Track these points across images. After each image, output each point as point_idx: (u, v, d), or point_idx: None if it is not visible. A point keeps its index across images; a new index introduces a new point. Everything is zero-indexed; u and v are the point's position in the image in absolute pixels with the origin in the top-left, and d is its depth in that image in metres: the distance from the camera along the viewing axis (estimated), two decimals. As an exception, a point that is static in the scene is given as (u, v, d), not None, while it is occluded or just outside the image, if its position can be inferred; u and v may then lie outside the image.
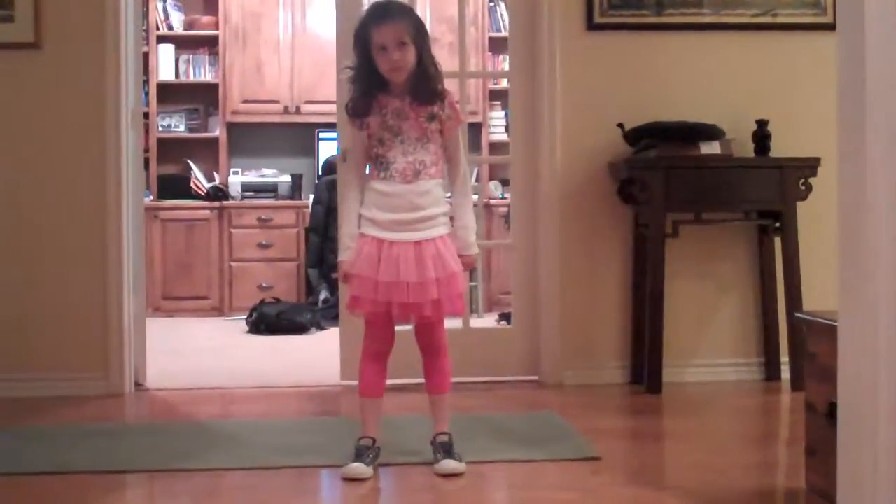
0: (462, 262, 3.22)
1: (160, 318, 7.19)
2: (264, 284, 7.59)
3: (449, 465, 3.10)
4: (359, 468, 3.06)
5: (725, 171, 4.42)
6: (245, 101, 8.02)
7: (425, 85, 3.15)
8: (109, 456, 3.30)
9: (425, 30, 3.20)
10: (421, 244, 3.11)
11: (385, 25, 3.07)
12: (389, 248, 3.09)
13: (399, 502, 3.06)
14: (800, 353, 4.22)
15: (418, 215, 3.13)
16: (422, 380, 4.72)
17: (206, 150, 8.09)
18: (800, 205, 4.46)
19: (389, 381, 4.68)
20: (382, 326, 3.21)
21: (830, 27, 4.15)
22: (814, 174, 4.42)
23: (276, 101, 8.05)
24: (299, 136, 8.19)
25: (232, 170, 8.02)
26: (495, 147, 8.04)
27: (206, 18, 8.08)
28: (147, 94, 7.61)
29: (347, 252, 3.17)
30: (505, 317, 6.48)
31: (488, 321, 6.93)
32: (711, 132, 4.46)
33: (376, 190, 3.15)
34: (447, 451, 3.16)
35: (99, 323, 4.43)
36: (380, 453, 3.16)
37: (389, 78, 3.12)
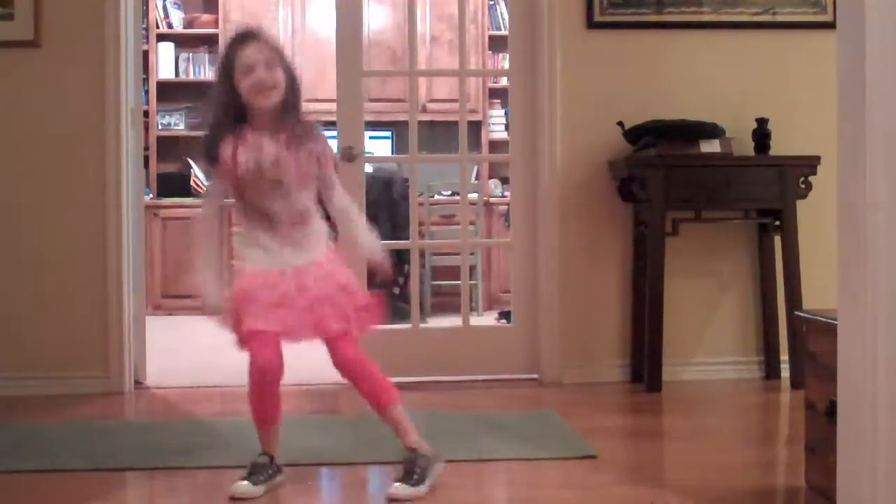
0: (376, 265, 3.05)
1: (160, 317, 7.19)
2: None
3: (396, 491, 2.86)
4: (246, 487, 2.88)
5: (725, 170, 4.42)
6: (245, 100, 8.00)
7: (294, 117, 2.91)
8: (109, 454, 3.30)
9: (293, 66, 2.97)
10: (302, 269, 2.91)
11: (252, 44, 2.88)
12: (275, 275, 2.89)
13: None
14: (800, 351, 4.22)
15: (299, 252, 2.94)
16: (425, 378, 4.74)
17: (206, 149, 8.07)
18: (800, 203, 4.46)
19: (389, 380, 4.69)
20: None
21: (830, 25, 4.14)
22: (814, 173, 4.42)
23: (276, 100, 8.04)
24: (299, 135, 8.18)
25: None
26: (495, 145, 8.04)
27: (205, 17, 8.08)
28: (147, 92, 7.61)
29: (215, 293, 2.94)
30: (504, 315, 6.48)
31: (488, 319, 6.94)
32: (711, 131, 4.46)
33: (252, 238, 2.95)
34: (407, 470, 2.91)
35: (99, 321, 4.43)
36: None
37: (254, 102, 2.86)
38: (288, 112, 2.91)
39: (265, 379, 2.90)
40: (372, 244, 3.06)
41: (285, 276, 2.89)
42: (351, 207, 3.07)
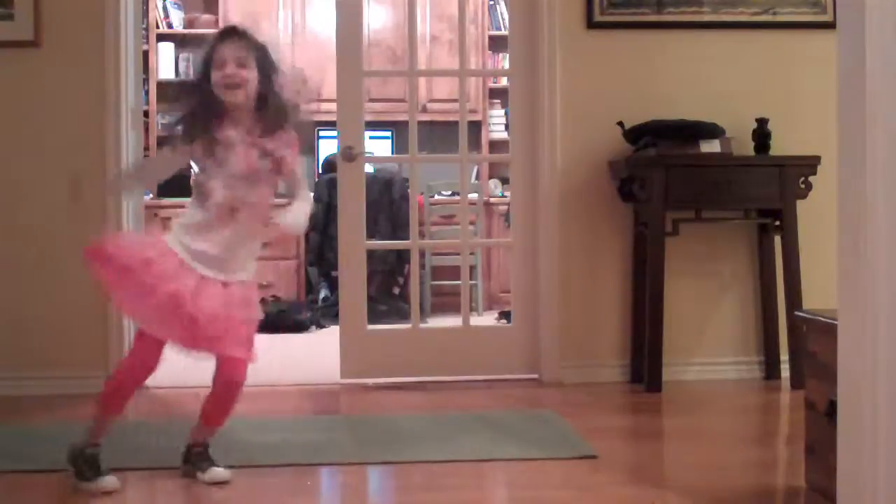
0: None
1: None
2: (264, 283, 7.58)
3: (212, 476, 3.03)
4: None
5: (725, 170, 4.42)
6: (245, 100, 8.01)
7: (268, 116, 2.99)
8: (109, 454, 3.29)
9: (274, 66, 3.03)
10: (228, 286, 2.95)
11: (229, 40, 2.99)
12: (191, 276, 2.90)
13: (398, 500, 3.06)
14: (800, 351, 4.22)
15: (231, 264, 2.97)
16: (425, 378, 4.74)
17: (206, 149, 8.07)
18: (800, 203, 4.46)
19: (390, 379, 4.70)
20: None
21: (830, 25, 4.14)
22: (814, 173, 4.42)
23: (276, 100, 8.04)
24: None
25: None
26: (495, 145, 8.04)
27: (205, 17, 8.08)
28: (147, 92, 7.60)
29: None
30: (505, 315, 6.48)
31: (488, 319, 6.94)
32: (711, 130, 4.46)
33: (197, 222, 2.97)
34: (200, 457, 3.07)
35: (99, 321, 4.43)
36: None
37: (222, 95, 2.95)
38: (261, 110, 2.99)
39: (135, 379, 3.06)
40: (292, 222, 3.06)
41: (206, 281, 2.91)
42: (299, 194, 3.10)
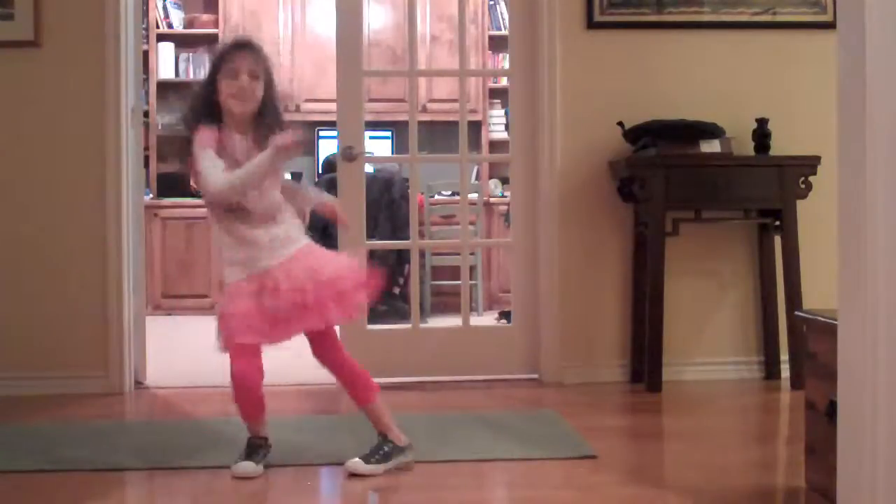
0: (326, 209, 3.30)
1: (160, 317, 7.19)
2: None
3: (354, 465, 3.09)
4: (248, 466, 3.08)
5: (725, 170, 4.42)
6: (245, 100, 8.01)
7: (267, 123, 3.10)
8: (109, 454, 3.30)
9: (275, 82, 3.20)
10: (275, 270, 3.05)
11: (243, 52, 3.09)
12: (251, 283, 3.04)
13: (398, 500, 3.06)
14: (800, 351, 4.22)
15: (272, 252, 3.08)
16: (425, 378, 4.74)
17: (206, 149, 8.07)
18: (800, 203, 4.46)
19: (389, 379, 4.70)
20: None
21: (830, 25, 4.15)
22: (814, 173, 4.42)
23: (276, 100, 8.04)
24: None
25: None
26: (495, 145, 8.04)
27: (205, 17, 8.09)
28: (147, 92, 7.61)
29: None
30: (505, 315, 6.48)
31: (488, 319, 6.94)
32: (711, 130, 4.46)
33: (233, 233, 3.09)
34: (371, 449, 3.14)
35: (99, 321, 4.43)
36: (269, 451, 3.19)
37: (229, 107, 3.05)
38: (260, 120, 3.09)
39: (244, 385, 3.08)
40: (318, 195, 3.34)
41: (260, 280, 3.04)
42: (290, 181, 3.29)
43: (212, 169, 2.97)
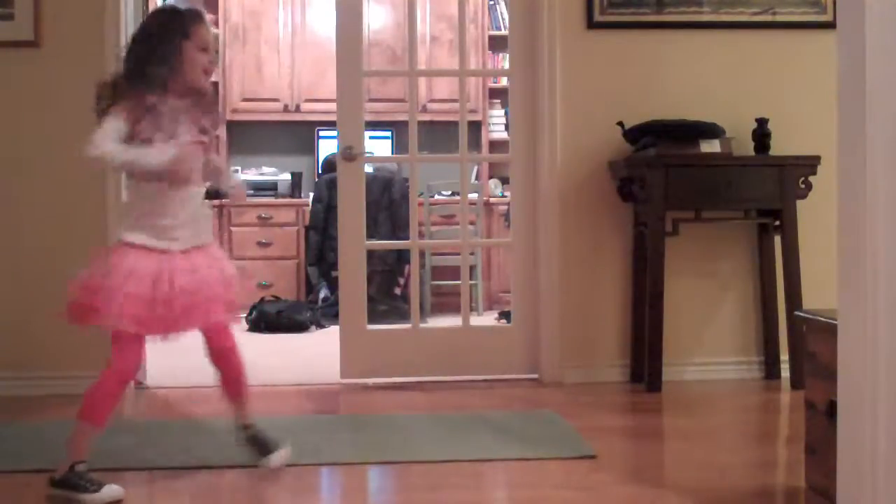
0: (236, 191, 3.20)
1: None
2: (264, 282, 7.59)
3: (277, 460, 3.11)
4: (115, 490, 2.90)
5: (725, 170, 4.42)
6: (245, 100, 8.03)
7: (207, 99, 3.06)
8: (109, 453, 3.30)
9: None
10: (194, 251, 2.98)
11: (208, 30, 3.01)
12: (165, 259, 2.91)
13: (398, 500, 3.06)
14: (800, 351, 4.23)
15: (193, 231, 3.00)
16: (424, 378, 4.74)
17: (205, 149, 8.08)
18: (800, 203, 4.46)
19: (389, 380, 4.70)
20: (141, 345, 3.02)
21: (830, 25, 4.15)
22: (814, 173, 4.42)
23: (276, 100, 8.05)
24: (299, 135, 8.20)
25: (232, 168, 8.01)
26: (495, 145, 8.04)
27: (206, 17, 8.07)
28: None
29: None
30: (505, 315, 6.48)
31: (488, 319, 6.94)
32: (711, 130, 4.46)
33: (144, 194, 2.95)
34: (263, 442, 3.14)
35: (99, 321, 4.43)
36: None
37: (194, 81, 2.95)
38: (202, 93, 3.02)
39: (123, 384, 3.02)
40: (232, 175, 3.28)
41: (172, 258, 2.92)
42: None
43: (107, 133, 2.84)
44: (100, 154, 2.83)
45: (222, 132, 7.86)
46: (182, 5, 3.07)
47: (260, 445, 3.13)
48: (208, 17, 3.24)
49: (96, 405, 2.95)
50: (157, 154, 2.86)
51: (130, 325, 2.87)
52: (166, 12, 3.05)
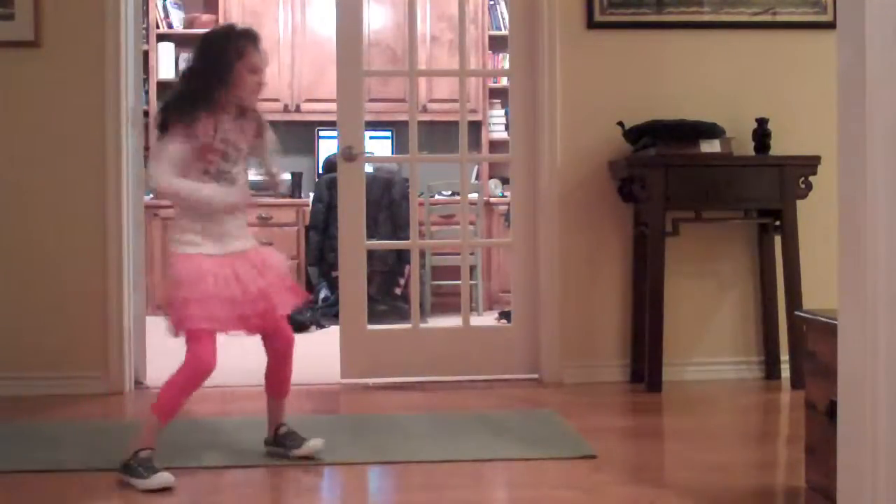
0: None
1: (160, 317, 7.16)
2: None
3: (311, 449, 3.22)
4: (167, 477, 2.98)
5: (725, 170, 4.42)
6: (245, 100, 8.01)
7: (257, 115, 3.22)
8: (109, 454, 3.30)
9: None
10: (248, 253, 3.16)
11: (261, 52, 3.15)
12: (226, 262, 3.09)
13: (398, 500, 3.06)
14: (800, 351, 4.22)
15: (242, 237, 3.20)
16: (424, 378, 4.73)
17: (205, 149, 8.08)
18: (800, 203, 4.46)
19: (389, 380, 4.70)
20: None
21: (831, 25, 4.15)
22: (814, 173, 4.42)
23: (276, 100, 8.04)
24: (299, 135, 8.19)
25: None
26: (495, 145, 8.04)
27: (206, 17, 8.08)
28: (147, 92, 7.61)
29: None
30: (505, 315, 6.48)
31: (488, 319, 6.94)
32: (711, 130, 4.46)
33: (201, 218, 3.11)
34: (292, 437, 3.26)
35: (99, 321, 4.43)
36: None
37: (245, 100, 3.13)
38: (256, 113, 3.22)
39: (202, 379, 3.09)
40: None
41: (236, 261, 3.10)
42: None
43: (166, 163, 3.03)
44: (166, 187, 3.03)
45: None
46: (238, 26, 3.22)
47: (294, 438, 3.24)
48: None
49: (172, 399, 3.10)
50: (220, 196, 3.06)
51: (215, 325, 3.03)
52: (222, 32, 3.21)
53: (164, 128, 3.08)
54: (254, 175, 3.33)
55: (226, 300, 3.02)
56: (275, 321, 3.17)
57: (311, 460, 3.20)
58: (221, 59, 3.08)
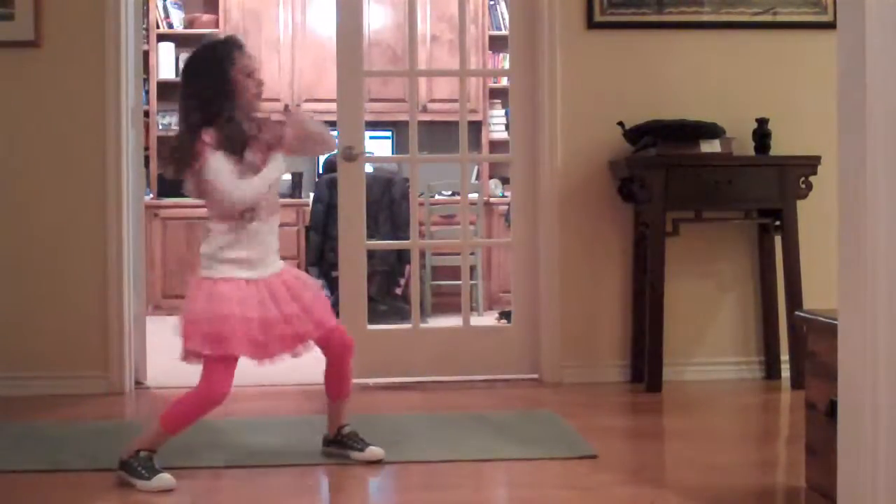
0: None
1: (160, 317, 7.17)
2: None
3: (371, 454, 3.22)
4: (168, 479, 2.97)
5: (726, 170, 4.42)
6: (245, 100, 8.01)
7: (268, 122, 3.17)
8: (110, 454, 3.30)
9: None
10: (282, 274, 3.14)
11: (249, 56, 3.12)
12: (261, 286, 3.06)
13: (398, 500, 3.06)
14: (800, 351, 4.22)
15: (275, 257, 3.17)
16: (425, 378, 4.74)
17: (206, 149, 8.07)
18: (800, 203, 4.46)
19: (389, 379, 4.71)
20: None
21: (831, 26, 4.14)
22: (814, 173, 4.42)
23: (277, 100, 8.02)
24: (299, 135, 8.18)
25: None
26: (495, 145, 8.04)
27: (206, 17, 8.08)
28: (147, 92, 7.60)
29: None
30: (505, 315, 6.48)
31: (488, 319, 6.94)
32: (712, 130, 4.46)
33: (221, 230, 3.09)
34: (355, 439, 3.27)
35: (99, 321, 4.43)
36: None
37: (248, 103, 3.08)
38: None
39: (213, 407, 3.06)
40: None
41: (268, 283, 3.07)
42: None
43: (230, 177, 3.01)
44: (254, 195, 3.03)
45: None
46: (219, 36, 3.20)
47: (358, 441, 3.26)
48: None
49: (180, 418, 3.06)
50: (273, 167, 3.09)
51: (249, 351, 3.01)
52: (206, 48, 3.14)
53: (192, 155, 3.01)
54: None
55: (262, 324, 3.01)
56: (328, 332, 3.17)
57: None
58: (215, 72, 3.03)
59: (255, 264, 3.07)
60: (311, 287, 3.18)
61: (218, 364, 2.98)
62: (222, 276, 3.03)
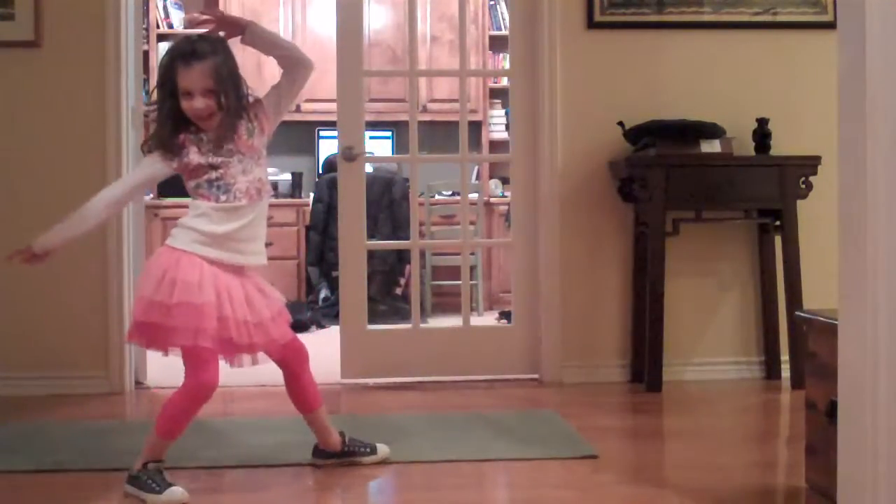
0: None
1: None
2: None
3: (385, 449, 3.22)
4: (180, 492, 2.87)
5: (726, 170, 4.42)
6: (245, 100, 8.01)
7: (234, 128, 2.93)
8: (110, 454, 3.30)
9: (235, 67, 3.03)
10: (244, 271, 2.96)
11: (191, 69, 2.87)
12: (221, 275, 2.88)
13: (398, 500, 3.06)
14: (800, 351, 4.23)
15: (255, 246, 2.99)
16: (424, 378, 4.73)
17: (206, 149, 8.07)
18: (800, 203, 4.46)
19: (389, 379, 4.71)
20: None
21: (831, 25, 4.15)
22: (814, 173, 4.42)
23: (277, 100, 8.04)
24: (299, 135, 8.18)
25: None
26: (495, 145, 8.04)
27: (206, 17, 8.08)
28: (147, 92, 7.59)
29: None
30: (505, 315, 6.48)
31: (488, 319, 6.94)
32: (712, 130, 4.46)
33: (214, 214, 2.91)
34: (355, 447, 3.22)
35: (99, 321, 4.43)
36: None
37: (197, 123, 2.91)
38: (230, 114, 2.93)
39: (204, 401, 2.92)
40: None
41: (235, 274, 2.93)
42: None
43: (119, 183, 3.08)
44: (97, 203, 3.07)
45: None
46: (178, 41, 3.00)
47: (361, 445, 3.22)
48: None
49: (173, 421, 2.93)
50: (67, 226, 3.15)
51: (208, 341, 2.83)
52: (160, 67, 2.98)
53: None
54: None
55: (221, 315, 2.85)
56: (280, 348, 3.03)
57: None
58: (165, 77, 2.92)
59: (223, 244, 2.90)
60: (274, 303, 3.02)
61: (198, 354, 2.86)
62: (187, 249, 2.89)
